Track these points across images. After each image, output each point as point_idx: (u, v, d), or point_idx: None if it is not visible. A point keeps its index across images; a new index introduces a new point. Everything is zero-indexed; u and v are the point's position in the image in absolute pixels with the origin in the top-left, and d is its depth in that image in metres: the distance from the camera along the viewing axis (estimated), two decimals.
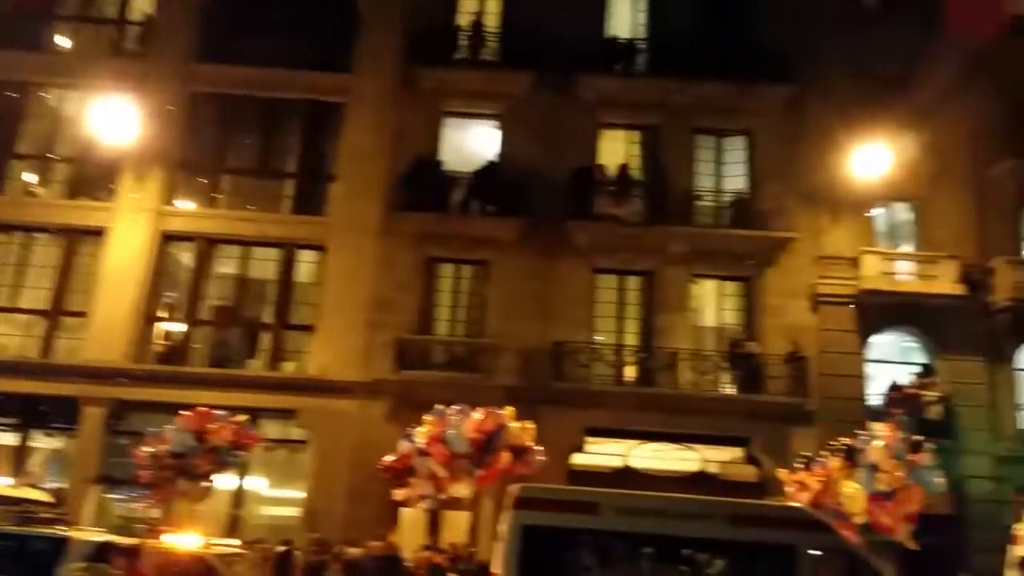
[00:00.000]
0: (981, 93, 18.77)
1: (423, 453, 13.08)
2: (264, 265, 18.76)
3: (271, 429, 15.95)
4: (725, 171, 19.31)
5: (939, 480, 12.62)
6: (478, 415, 13.09)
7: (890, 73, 18.91)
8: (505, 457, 12.87)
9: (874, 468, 12.05)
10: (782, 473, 14.09)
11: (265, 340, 18.19)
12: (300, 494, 17.09)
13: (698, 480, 16.72)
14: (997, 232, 18.48)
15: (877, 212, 19.08)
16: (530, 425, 13.69)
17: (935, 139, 18.54)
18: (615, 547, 9.80)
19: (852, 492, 12.04)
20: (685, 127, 19.21)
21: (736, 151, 19.43)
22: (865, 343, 18.09)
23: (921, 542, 12.37)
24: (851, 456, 12.42)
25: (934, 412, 16.64)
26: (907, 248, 18.90)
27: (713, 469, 17.12)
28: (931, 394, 16.98)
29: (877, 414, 16.93)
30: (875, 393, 17.70)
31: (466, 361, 17.49)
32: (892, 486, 11.90)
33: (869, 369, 17.98)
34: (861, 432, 13.15)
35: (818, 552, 9.44)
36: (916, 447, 12.32)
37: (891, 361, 18.25)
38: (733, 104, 18.96)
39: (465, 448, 12.83)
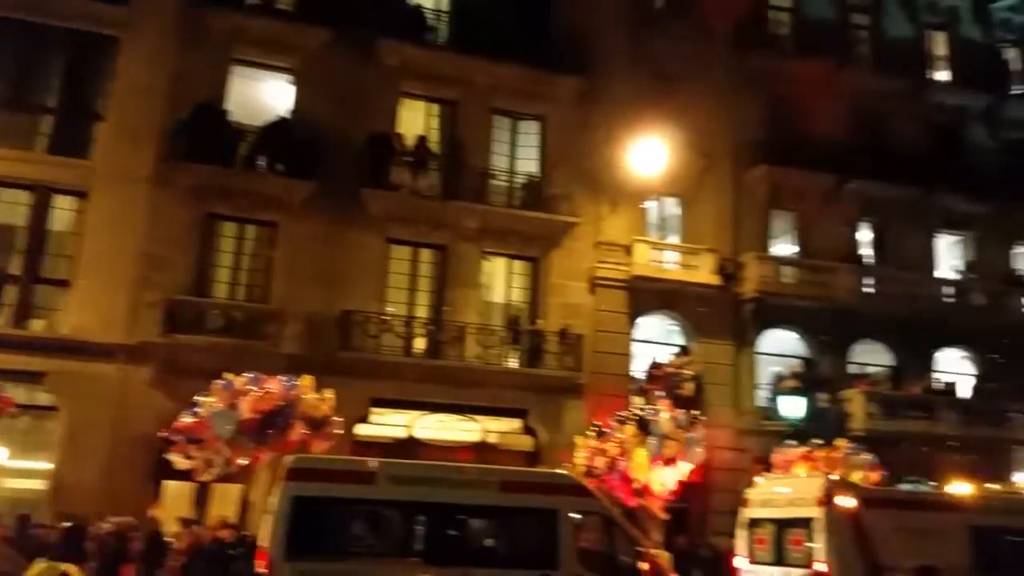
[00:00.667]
0: (745, 102, 20.95)
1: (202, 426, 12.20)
2: (12, 209, 16.46)
3: (15, 394, 14.06)
4: (519, 153, 19.89)
5: (700, 451, 14.08)
6: (270, 386, 12.36)
7: (670, 73, 20.54)
8: (298, 429, 12.34)
9: (664, 437, 13.26)
10: (579, 440, 14.95)
11: (11, 294, 16.02)
12: (47, 465, 15.35)
13: (479, 450, 17.28)
14: (750, 230, 20.78)
15: (650, 204, 20.65)
16: (329, 395, 13.25)
17: (703, 140, 20.39)
18: (389, 516, 9.87)
19: (640, 458, 13.11)
20: (484, 106, 19.49)
21: (530, 135, 20.07)
22: (633, 324, 19.60)
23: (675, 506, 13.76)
24: (644, 426, 13.50)
25: (688, 389, 18.42)
26: (674, 239, 20.66)
27: (493, 439, 17.75)
28: (686, 372, 18.80)
29: (639, 389, 18.46)
30: (638, 370, 19.26)
31: (246, 327, 16.58)
32: (675, 454, 13.14)
33: (635, 348, 19.52)
34: (649, 406, 14.35)
35: (578, 515, 10.06)
36: (692, 421, 13.68)
37: (654, 341, 19.95)
38: (530, 89, 19.55)
39: (229, 430, 11.97)
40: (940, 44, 23.31)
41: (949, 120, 22.74)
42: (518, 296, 19.13)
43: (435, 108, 19.54)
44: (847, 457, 15.84)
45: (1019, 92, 23.47)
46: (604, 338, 18.98)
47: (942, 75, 23.20)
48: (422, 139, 18.75)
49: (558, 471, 12.72)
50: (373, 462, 10.38)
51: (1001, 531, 10.48)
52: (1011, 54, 23.92)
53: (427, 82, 19.14)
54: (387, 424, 17.29)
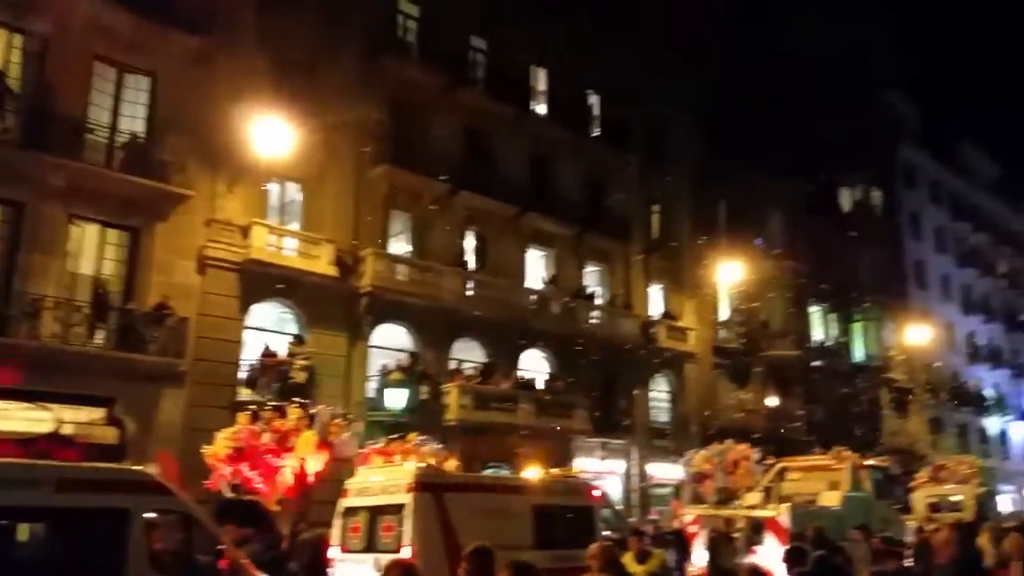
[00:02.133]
0: (372, 101, 21.30)
1: None
2: None
3: None
4: (125, 110, 17.66)
5: (354, 444, 13.98)
6: None
7: (297, 57, 20.08)
8: None
9: (325, 426, 13.12)
10: (242, 417, 13.58)
11: None
12: None
13: (51, 442, 14.69)
14: (370, 226, 21.14)
15: (272, 187, 19.87)
16: None
17: (330, 131, 20.24)
18: None
19: (307, 440, 12.85)
20: (84, 49, 16.93)
21: (140, 91, 17.96)
22: (246, 310, 18.58)
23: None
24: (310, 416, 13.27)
25: (300, 378, 18.00)
26: (295, 226, 20.13)
27: (69, 430, 15.27)
28: (299, 362, 18.35)
29: (250, 379, 17.54)
30: (249, 359, 18.30)
31: None
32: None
33: (247, 335, 18.52)
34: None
35: (154, 515, 9.07)
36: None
37: (268, 329, 19.15)
38: (139, 40, 17.52)
39: None
40: (541, 80, 26.36)
41: (544, 150, 25.77)
42: (112, 270, 16.89)
43: (19, 39, 16.42)
44: (418, 448, 16.45)
45: (596, 135, 27.54)
46: (212, 323, 17.68)
47: (541, 108, 26.24)
48: (0, 74, 15.61)
49: (130, 467, 11.36)
50: None
51: (558, 509, 11.87)
52: (594, 99, 28.01)
53: (10, 7, 16.02)
54: None
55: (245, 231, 18.62)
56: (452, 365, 22.21)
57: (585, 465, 24.39)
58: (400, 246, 22.40)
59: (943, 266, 44.19)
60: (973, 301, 45.87)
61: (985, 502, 21.55)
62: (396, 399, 18.64)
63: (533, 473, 16.16)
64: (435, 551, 10.19)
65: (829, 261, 35.19)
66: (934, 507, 20.94)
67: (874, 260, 37.33)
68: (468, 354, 22.99)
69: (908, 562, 9.35)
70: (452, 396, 20.89)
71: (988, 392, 44.45)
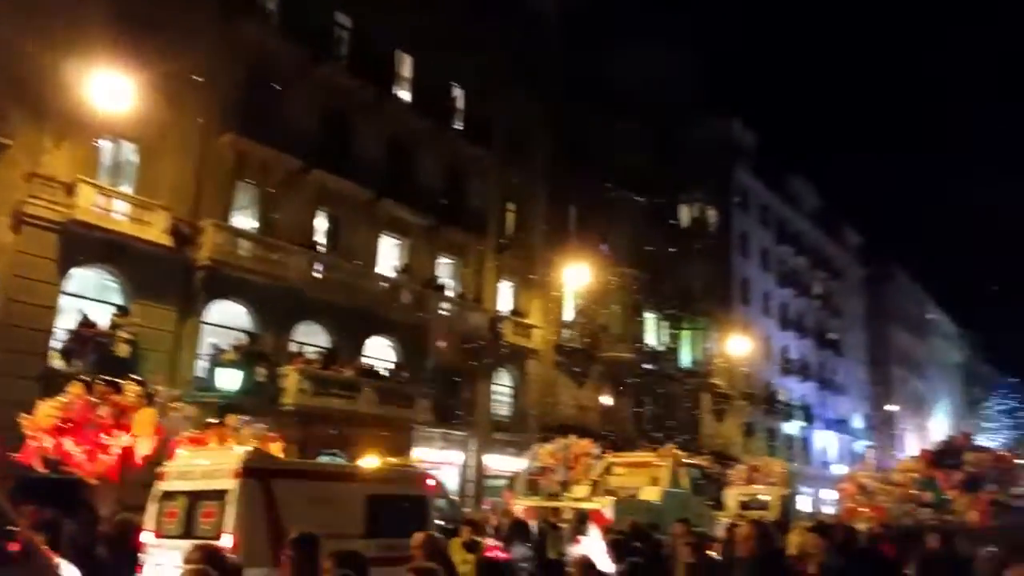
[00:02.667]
0: (225, 67, 20.17)
1: None
2: None
3: None
4: None
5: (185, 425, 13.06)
6: None
7: (146, 9, 18.55)
8: None
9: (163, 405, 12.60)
10: (75, 387, 12.27)
11: None
12: None
13: None
14: (212, 196, 20.00)
15: (105, 144, 18.35)
16: None
17: (175, 91, 18.94)
18: None
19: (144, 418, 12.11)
20: None
21: None
22: (65, 275, 17.06)
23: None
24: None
25: (122, 351, 16.67)
26: (127, 188, 18.69)
27: None
28: (122, 334, 17.02)
29: (64, 349, 16.13)
30: (65, 326, 16.82)
31: None
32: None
33: (64, 302, 17.00)
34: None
35: None
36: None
37: (88, 297, 17.67)
38: None
39: None
40: (406, 66, 25.98)
41: (405, 138, 25.40)
42: None
43: None
44: (238, 431, 15.76)
45: (458, 128, 27.51)
46: (24, 286, 16.13)
47: (404, 95, 25.86)
48: None
49: None
50: None
51: (392, 498, 11.80)
52: (458, 93, 27.95)
53: None
54: None
55: (70, 189, 17.09)
56: (293, 348, 21.44)
57: (424, 455, 24.40)
58: (245, 220, 21.35)
59: (765, 284, 47.79)
60: (789, 318, 49.94)
61: (789, 502, 23.32)
62: (228, 380, 17.74)
63: (369, 461, 15.99)
64: (259, 539, 9.78)
65: (665, 272, 37.18)
66: (744, 505, 22.11)
67: (705, 274, 39.77)
68: (311, 338, 22.30)
69: (715, 554, 10.01)
70: (291, 380, 20.15)
71: (796, 402, 48.55)
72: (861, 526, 14.04)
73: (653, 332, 37.22)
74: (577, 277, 29.52)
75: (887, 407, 60.65)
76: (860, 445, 56.68)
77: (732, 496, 23.05)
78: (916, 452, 23.16)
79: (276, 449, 15.66)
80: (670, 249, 38.00)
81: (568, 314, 32.03)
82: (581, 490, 16.88)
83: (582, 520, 14.15)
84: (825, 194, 57.06)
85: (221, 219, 19.97)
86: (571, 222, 32.65)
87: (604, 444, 22.57)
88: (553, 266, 30.05)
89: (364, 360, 23.27)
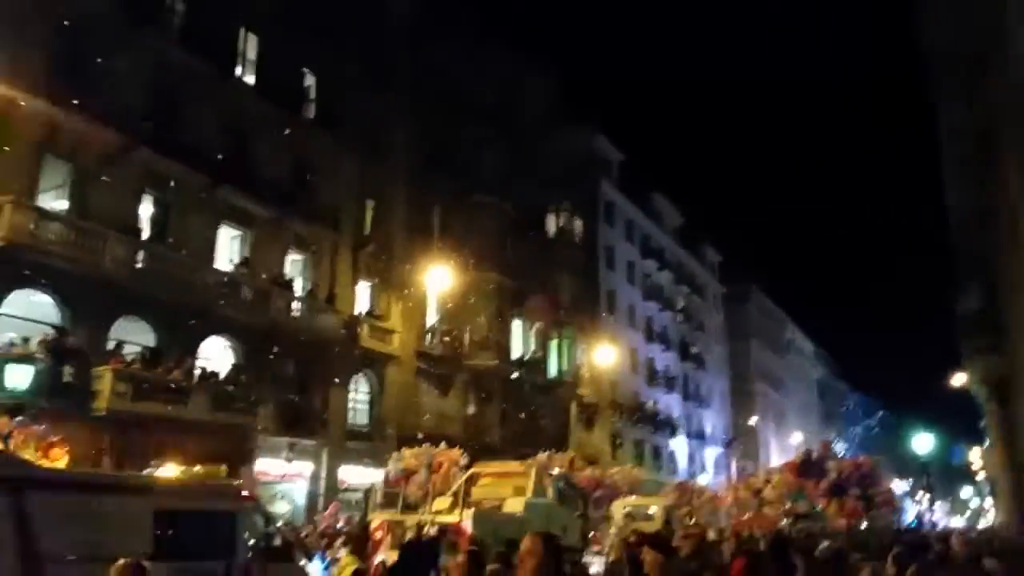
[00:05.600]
0: (25, 21, 17.71)
1: None
2: None
3: None
4: None
5: None
6: None
7: None
8: None
9: None
10: None
11: None
12: None
13: None
14: (12, 170, 17.42)
15: None
16: None
17: None
18: None
19: None
20: None
21: None
22: None
23: None
24: None
25: None
26: None
27: None
28: None
29: None
30: None
31: None
32: None
33: None
34: None
35: None
36: None
37: None
38: None
39: None
40: (251, 47, 24.11)
41: (249, 123, 23.47)
42: None
43: None
44: (14, 434, 13.46)
45: (310, 117, 25.84)
46: None
47: (249, 78, 23.96)
48: None
49: None
50: None
51: (190, 514, 10.12)
52: (310, 81, 26.32)
53: None
54: None
55: None
56: (110, 345, 18.94)
57: (269, 466, 22.35)
58: (56, 201, 18.81)
59: (631, 297, 48.22)
60: (654, 331, 50.59)
61: (672, 513, 23.72)
62: (17, 377, 15.26)
63: (166, 471, 13.97)
64: (4, 566, 7.99)
65: (533, 280, 36.61)
66: (630, 516, 22.81)
67: (573, 284, 39.52)
68: (135, 336, 19.80)
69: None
70: (105, 381, 17.68)
71: (662, 413, 49.04)
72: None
73: (521, 340, 36.43)
74: (441, 281, 28.23)
75: (750, 420, 62.60)
76: (722, 456, 58.09)
77: (618, 507, 23.72)
78: (779, 463, 23.73)
79: (58, 457, 13.47)
80: (538, 257, 37.56)
81: (432, 319, 30.67)
82: (442, 502, 15.93)
83: (443, 534, 13.17)
84: (686, 213, 58.73)
85: (22, 196, 17.39)
86: (435, 225, 31.46)
87: (468, 454, 21.45)
88: (416, 269, 28.67)
89: (199, 362, 21.00)
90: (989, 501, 62.31)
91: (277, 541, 11.84)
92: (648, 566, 5.14)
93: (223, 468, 11.89)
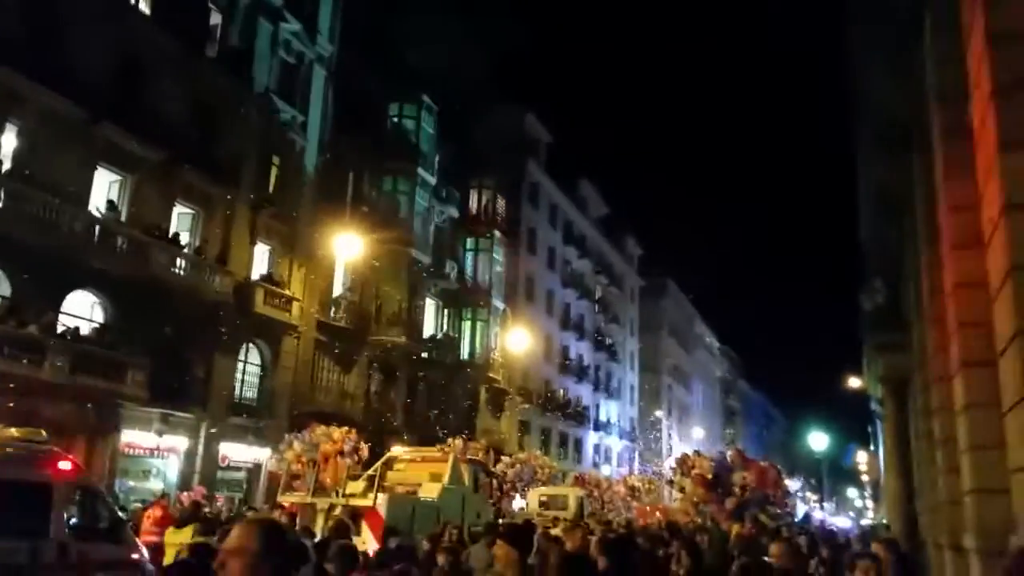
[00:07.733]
0: None
1: None
2: None
3: None
4: None
5: None
6: None
7: None
8: None
9: None
10: None
11: None
12: None
13: None
14: None
15: None
16: None
17: None
18: None
19: None
20: None
21: None
22: None
23: None
24: None
25: None
26: None
27: None
28: None
29: None
30: None
31: None
32: None
33: None
34: None
35: None
36: None
37: None
38: None
39: None
40: None
41: (142, 55, 20.94)
42: None
43: None
44: None
45: (212, 56, 23.43)
46: None
47: (145, 6, 21.40)
48: None
49: None
50: None
51: None
52: (217, 18, 23.88)
53: None
54: None
55: None
56: None
57: (138, 438, 20.16)
58: None
59: (550, 282, 47.11)
60: (570, 319, 49.67)
61: (583, 502, 24.73)
62: None
63: None
64: None
65: (450, 257, 35.01)
66: (544, 504, 23.59)
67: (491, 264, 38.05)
68: None
69: None
70: None
71: (572, 402, 48.23)
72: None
73: (434, 319, 34.79)
74: (350, 250, 26.31)
75: (656, 413, 62.69)
76: (625, 448, 57.96)
77: (533, 496, 24.56)
78: (678, 455, 23.32)
79: None
80: (456, 234, 35.95)
81: (339, 290, 28.68)
82: (355, 486, 14.77)
83: (354, 518, 12.20)
84: (610, 202, 58.04)
85: None
86: (348, 191, 29.40)
87: (362, 435, 19.66)
88: (324, 235, 26.62)
89: (63, 318, 18.57)
90: (871, 503, 65.11)
91: (105, 519, 10.24)
92: (499, 561, 4.43)
93: (42, 431, 10.00)
